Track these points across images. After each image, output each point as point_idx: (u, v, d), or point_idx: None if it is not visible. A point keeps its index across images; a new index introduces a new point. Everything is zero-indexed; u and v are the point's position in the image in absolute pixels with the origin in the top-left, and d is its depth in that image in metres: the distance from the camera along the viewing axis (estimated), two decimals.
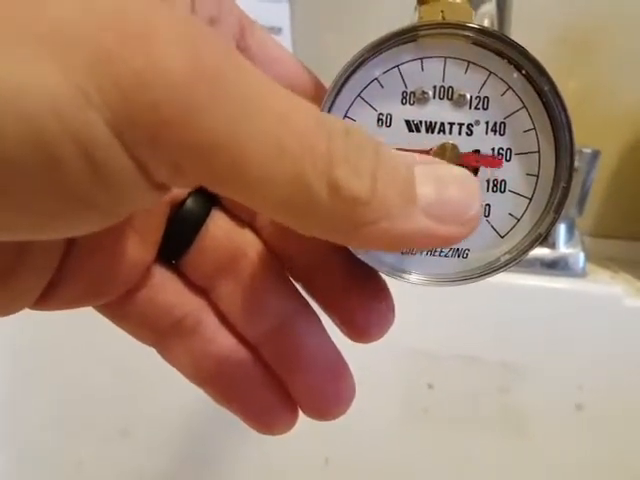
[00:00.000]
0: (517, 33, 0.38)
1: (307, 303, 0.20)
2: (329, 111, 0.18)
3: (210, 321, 0.19)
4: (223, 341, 0.19)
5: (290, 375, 0.19)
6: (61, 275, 0.16)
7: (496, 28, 0.36)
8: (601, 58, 0.47)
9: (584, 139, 0.45)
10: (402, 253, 0.19)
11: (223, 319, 0.19)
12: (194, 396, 0.40)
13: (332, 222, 0.12)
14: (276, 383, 0.19)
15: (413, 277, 0.18)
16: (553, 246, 0.41)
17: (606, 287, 0.41)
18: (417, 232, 0.13)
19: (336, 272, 0.19)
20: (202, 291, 0.19)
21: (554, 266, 0.41)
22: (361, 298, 0.19)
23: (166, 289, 0.18)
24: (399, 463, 0.41)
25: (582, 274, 0.41)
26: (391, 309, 0.19)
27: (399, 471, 0.41)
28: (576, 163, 0.41)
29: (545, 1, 0.45)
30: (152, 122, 0.10)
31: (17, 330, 0.39)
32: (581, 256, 0.41)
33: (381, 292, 0.19)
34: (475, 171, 0.18)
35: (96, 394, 0.40)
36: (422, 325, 0.40)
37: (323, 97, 0.18)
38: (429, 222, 0.13)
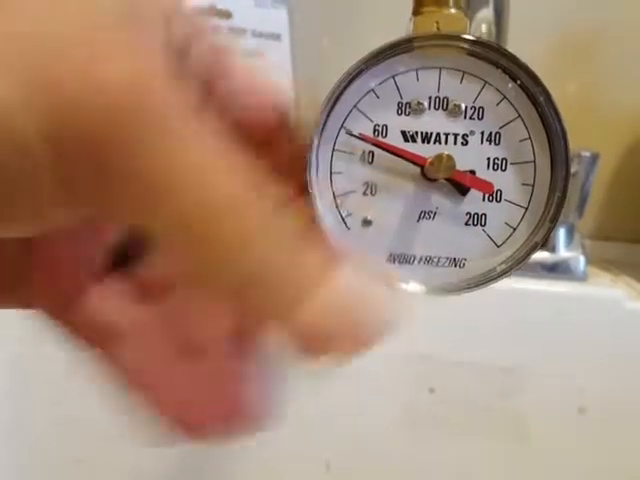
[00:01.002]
0: (515, 37, 0.38)
1: None
2: (325, 123, 0.18)
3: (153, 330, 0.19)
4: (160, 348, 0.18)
5: None
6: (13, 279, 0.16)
7: (494, 33, 0.37)
8: (599, 62, 0.47)
9: (583, 142, 0.45)
10: (399, 262, 0.19)
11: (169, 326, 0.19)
12: None
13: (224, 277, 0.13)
14: None
15: (410, 287, 0.19)
16: (553, 250, 0.41)
17: (607, 290, 0.41)
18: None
19: None
20: (152, 300, 0.19)
21: (555, 270, 0.41)
22: None
23: (113, 297, 0.18)
24: (401, 467, 0.41)
25: (583, 277, 0.41)
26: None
27: (401, 475, 0.41)
28: (575, 167, 0.41)
29: (543, 5, 0.45)
30: (80, 140, 0.11)
31: (18, 332, 0.39)
32: (581, 259, 0.41)
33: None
34: (467, 190, 0.18)
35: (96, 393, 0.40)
36: (423, 330, 0.40)
37: (300, 123, 0.18)
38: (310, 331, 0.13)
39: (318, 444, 0.41)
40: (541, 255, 0.41)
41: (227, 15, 0.42)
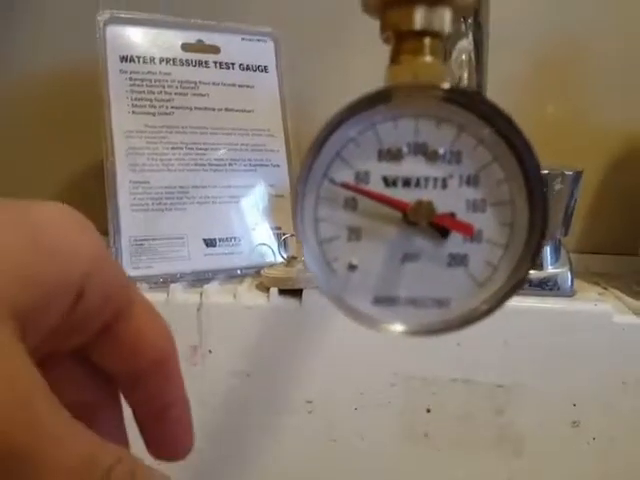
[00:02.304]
0: (494, 62, 0.39)
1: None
2: (309, 171, 0.19)
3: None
4: None
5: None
6: None
7: (474, 63, 0.37)
8: (579, 81, 0.48)
9: (567, 159, 0.46)
10: (385, 305, 0.19)
11: None
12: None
13: None
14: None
15: (396, 328, 0.19)
16: (541, 267, 0.42)
17: (595, 305, 0.41)
18: None
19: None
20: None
21: (543, 286, 0.41)
22: (162, 433, 0.19)
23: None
24: None
25: (571, 293, 0.42)
26: (188, 445, 0.19)
27: None
28: (559, 185, 0.41)
29: (521, 28, 0.46)
30: None
31: None
32: (569, 275, 0.42)
33: (183, 428, 0.19)
34: (448, 232, 0.19)
35: None
36: (418, 350, 0.41)
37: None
38: None
39: (318, 466, 0.41)
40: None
41: (215, 50, 0.43)
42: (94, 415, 0.18)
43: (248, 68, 0.44)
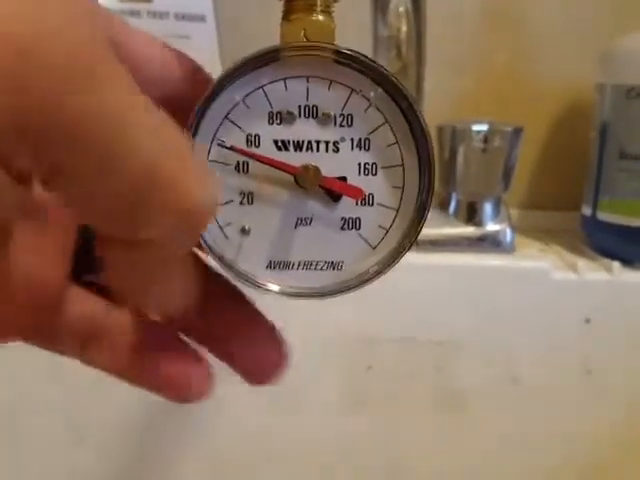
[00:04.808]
0: (440, 13, 0.38)
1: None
2: (195, 133, 0.18)
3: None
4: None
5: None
6: None
7: (412, 14, 0.36)
8: (527, 33, 0.47)
9: (514, 112, 0.45)
10: (279, 269, 0.20)
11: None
12: (144, 398, 0.41)
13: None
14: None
15: (288, 290, 0.19)
16: (480, 224, 0.42)
17: (534, 262, 0.42)
18: None
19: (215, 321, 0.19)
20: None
21: (482, 243, 0.42)
22: (245, 347, 0.19)
23: (82, 303, 0.18)
24: (343, 444, 0.42)
25: (510, 249, 0.42)
26: (284, 356, 0.20)
27: (343, 452, 0.42)
28: (498, 142, 0.41)
29: None
30: (18, 104, 0.11)
31: None
32: (508, 232, 0.42)
33: (270, 340, 0.19)
34: (339, 196, 0.19)
35: (45, 402, 0.41)
36: (358, 309, 0.41)
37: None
38: None
39: (262, 428, 0.42)
40: (468, 230, 0.42)
41: None
42: None
43: (184, 18, 0.42)
